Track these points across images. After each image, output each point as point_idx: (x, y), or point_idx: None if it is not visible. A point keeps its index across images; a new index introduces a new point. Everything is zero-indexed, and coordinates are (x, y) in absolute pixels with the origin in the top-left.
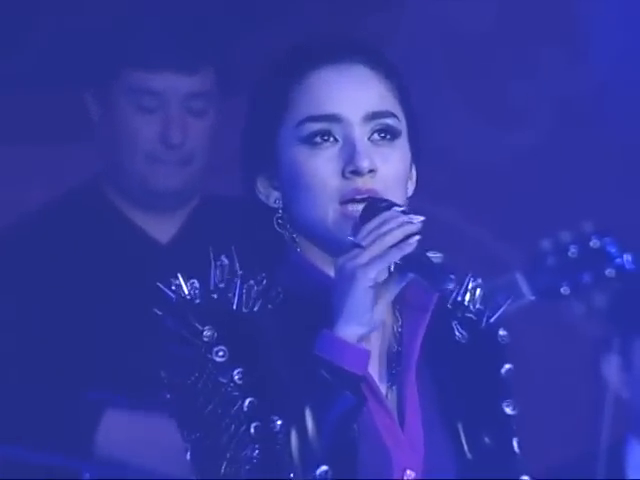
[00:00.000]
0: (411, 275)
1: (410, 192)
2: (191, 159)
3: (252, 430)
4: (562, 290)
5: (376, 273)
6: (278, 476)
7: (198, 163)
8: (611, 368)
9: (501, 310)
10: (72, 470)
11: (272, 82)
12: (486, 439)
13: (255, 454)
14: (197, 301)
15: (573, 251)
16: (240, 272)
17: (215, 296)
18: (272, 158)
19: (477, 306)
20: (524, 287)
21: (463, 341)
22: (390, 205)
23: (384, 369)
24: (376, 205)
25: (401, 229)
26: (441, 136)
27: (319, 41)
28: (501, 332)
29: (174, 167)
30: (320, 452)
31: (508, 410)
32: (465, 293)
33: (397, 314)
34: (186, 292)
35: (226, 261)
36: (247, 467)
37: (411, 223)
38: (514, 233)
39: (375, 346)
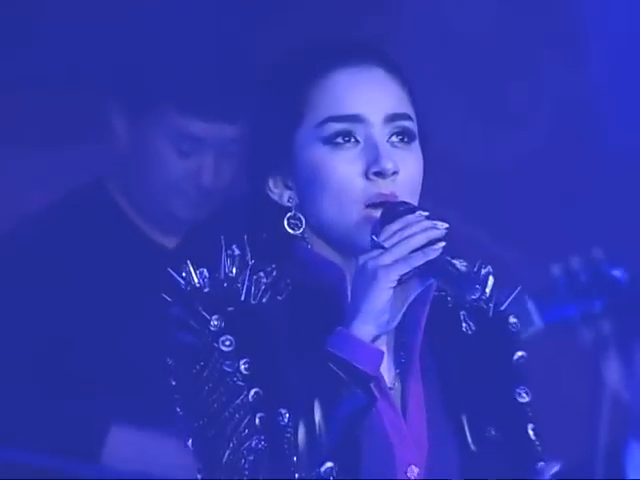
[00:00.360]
0: (431, 280)
1: None
2: (215, 193)
3: (257, 421)
4: (572, 318)
5: (399, 275)
6: (282, 468)
7: (220, 196)
8: (611, 370)
9: (511, 297)
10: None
11: (289, 83)
12: (493, 430)
13: (260, 445)
14: (206, 290)
15: (583, 279)
16: (251, 263)
17: (225, 285)
18: (287, 158)
19: (487, 294)
20: (535, 314)
21: (469, 332)
22: (412, 209)
23: (392, 359)
24: (396, 208)
25: (425, 234)
26: (440, 138)
27: (336, 43)
28: (511, 319)
29: (199, 200)
30: (326, 448)
31: (522, 397)
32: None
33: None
34: (196, 280)
35: (237, 251)
36: (251, 457)
37: (436, 229)
38: (514, 235)
39: (383, 336)
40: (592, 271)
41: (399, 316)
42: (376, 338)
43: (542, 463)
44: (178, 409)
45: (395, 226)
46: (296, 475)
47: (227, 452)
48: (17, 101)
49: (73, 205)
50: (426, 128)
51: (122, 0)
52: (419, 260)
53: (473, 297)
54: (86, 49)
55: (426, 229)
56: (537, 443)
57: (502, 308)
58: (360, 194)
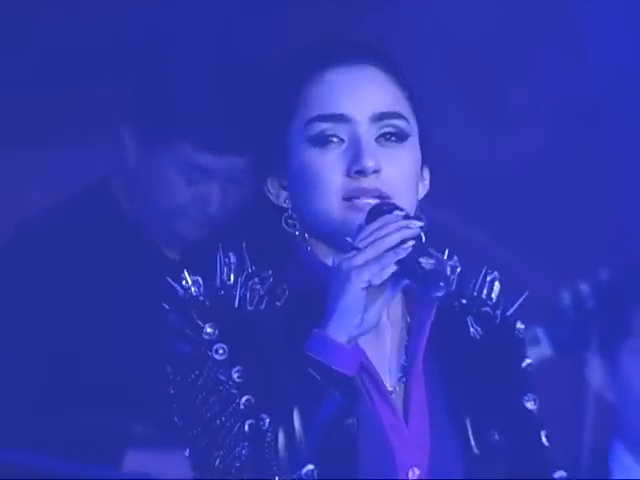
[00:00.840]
0: (405, 280)
1: (422, 195)
2: (220, 215)
3: (246, 427)
4: (581, 346)
5: (370, 276)
6: (264, 474)
7: (226, 220)
8: (595, 372)
9: (518, 303)
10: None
11: (285, 82)
12: (496, 434)
13: (244, 452)
14: (201, 298)
15: (591, 305)
16: (246, 270)
17: (220, 293)
18: (282, 157)
19: (494, 300)
20: (544, 342)
21: (477, 337)
22: (393, 209)
23: (394, 363)
24: (380, 208)
25: (399, 233)
26: (440, 138)
27: (332, 42)
28: (518, 325)
29: (205, 223)
30: (307, 452)
31: (529, 405)
32: (482, 287)
33: (407, 309)
34: (193, 289)
35: (234, 258)
36: (237, 464)
37: (409, 228)
38: (514, 236)
39: (386, 340)
40: (599, 296)
41: (377, 316)
42: (353, 339)
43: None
44: (176, 419)
45: (372, 226)
46: (276, 479)
47: (218, 460)
48: (23, 102)
49: (78, 209)
50: (428, 127)
51: (135, 25)
52: (390, 260)
53: (438, 294)
54: (94, 55)
55: (400, 228)
56: (549, 450)
57: (508, 314)
58: (340, 190)
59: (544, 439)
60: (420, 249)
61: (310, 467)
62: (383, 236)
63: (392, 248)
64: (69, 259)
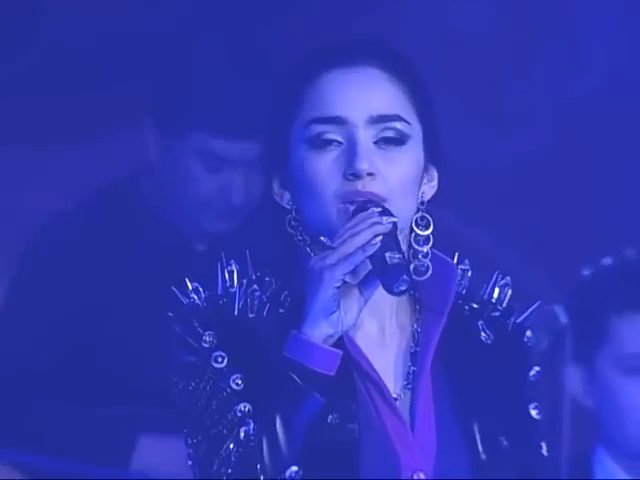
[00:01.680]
0: (377, 280)
1: (429, 196)
2: (245, 208)
3: (241, 435)
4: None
5: (342, 274)
6: (249, 477)
7: (250, 210)
8: (574, 379)
9: (529, 310)
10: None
11: (287, 82)
12: (504, 441)
13: (233, 458)
14: (203, 306)
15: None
16: (246, 278)
17: (221, 302)
18: (285, 158)
19: (504, 305)
20: (563, 318)
21: (488, 342)
22: (374, 207)
23: (400, 369)
24: (364, 206)
25: (370, 230)
26: (440, 139)
27: (336, 43)
28: (528, 333)
29: (229, 215)
30: (290, 453)
31: (534, 414)
32: (493, 291)
33: (417, 314)
34: (196, 297)
35: (235, 265)
36: (229, 470)
37: (380, 224)
38: (513, 236)
39: (393, 345)
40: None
41: (355, 314)
42: (330, 338)
43: None
44: (183, 428)
45: (347, 225)
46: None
47: (215, 466)
48: (24, 101)
49: (106, 207)
50: (434, 128)
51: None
52: (360, 257)
53: (402, 289)
54: (104, 51)
55: (371, 225)
56: (549, 461)
57: (519, 320)
58: (338, 192)
59: (544, 449)
60: (390, 245)
61: (294, 468)
62: (354, 234)
63: (362, 246)
64: (95, 256)
